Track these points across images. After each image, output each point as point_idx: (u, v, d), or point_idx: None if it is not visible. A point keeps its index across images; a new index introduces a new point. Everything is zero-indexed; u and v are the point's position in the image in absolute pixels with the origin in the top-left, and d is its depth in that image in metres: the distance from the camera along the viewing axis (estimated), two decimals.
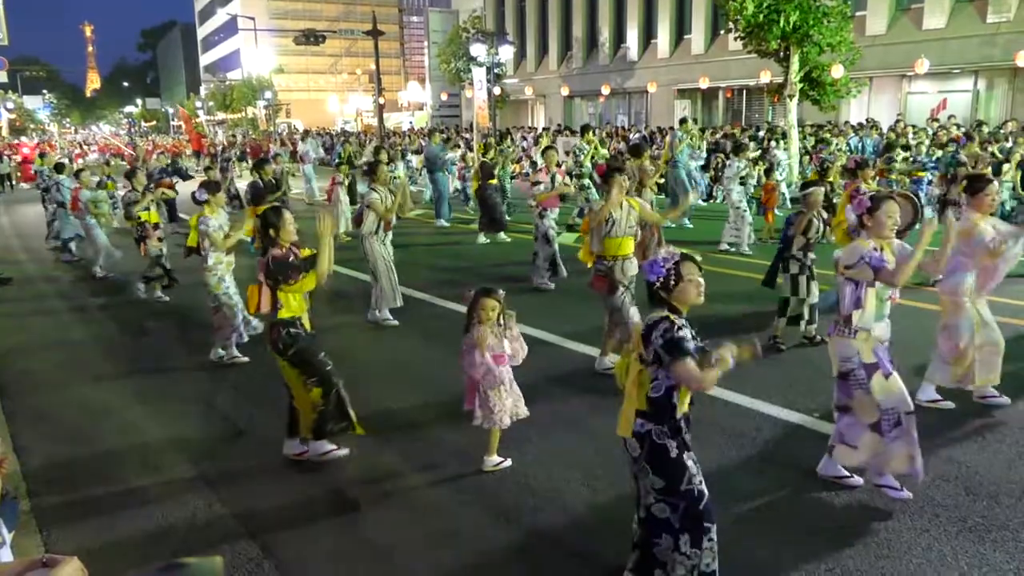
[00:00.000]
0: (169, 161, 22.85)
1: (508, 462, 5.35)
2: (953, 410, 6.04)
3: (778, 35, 19.24)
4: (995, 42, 23.50)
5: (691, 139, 16.87)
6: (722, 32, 31.52)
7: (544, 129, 32.66)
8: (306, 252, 5.46)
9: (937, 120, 22.58)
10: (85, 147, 60.43)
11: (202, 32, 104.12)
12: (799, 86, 20.37)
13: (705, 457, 4.49)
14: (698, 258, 3.68)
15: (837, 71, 20.75)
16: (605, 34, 39.35)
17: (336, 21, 69.76)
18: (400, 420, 6.37)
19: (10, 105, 66.34)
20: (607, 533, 4.48)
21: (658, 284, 3.60)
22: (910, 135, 19.52)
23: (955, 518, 4.53)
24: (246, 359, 7.99)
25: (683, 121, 17.23)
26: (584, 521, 4.73)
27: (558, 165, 11.44)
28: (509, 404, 5.22)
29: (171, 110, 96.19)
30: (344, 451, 5.61)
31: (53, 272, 14.10)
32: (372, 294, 9.34)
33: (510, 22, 44.91)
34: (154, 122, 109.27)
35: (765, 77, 25.66)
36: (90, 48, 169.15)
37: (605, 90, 37.92)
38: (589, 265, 7.11)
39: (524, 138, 32.91)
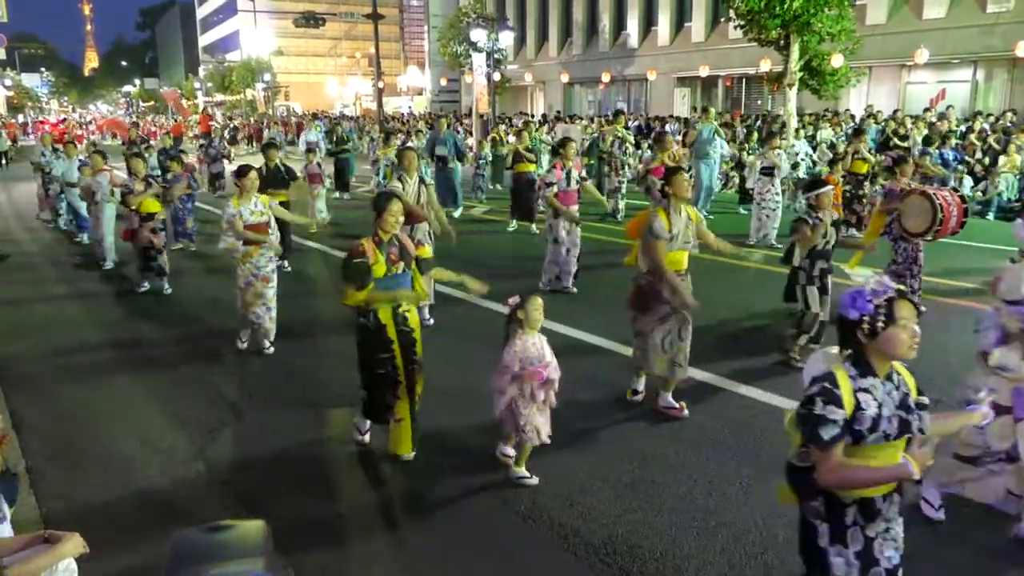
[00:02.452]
0: (172, 142, 22.51)
1: (534, 480, 5.00)
2: (951, 400, 6.08)
3: (778, 23, 19.17)
4: (994, 32, 23.44)
5: (717, 127, 16.03)
6: (722, 20, 31.42)
7: (539, 118, 32.50)
8: (424, 252, 5.30)
9: (930, 110, 22.58)
10: (86, 127, 60.09)
11: (201, 12, 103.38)
12: (799, 75, 20.32)
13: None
14: (915, 299, 3.14)
15: (837, 60, 20.71)
16: (605, 21, 39.19)
17: (336, 4, 69.14)
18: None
19: (8, 83, 65.92)
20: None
21: (861, 324, 2.78)
22: (908, 125, 19.52)
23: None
24: (271, 350, 7.68)
25: (705, 110, 16.64)
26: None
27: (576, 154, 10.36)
28: (540, 422, 4.83)
29: (169, 90, 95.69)
30: (366, 438, 5.58)
31: (51, 249, 14.09)
32: None
33: (510, 7, 44.69)
34: (152, 102, 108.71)
35: (765, 66, 25.59)
36: (88, 26, 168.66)
37: (605, 77, 37.79)
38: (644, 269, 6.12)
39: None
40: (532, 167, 14.50)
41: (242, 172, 7.52)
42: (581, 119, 32.22)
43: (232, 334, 8.02)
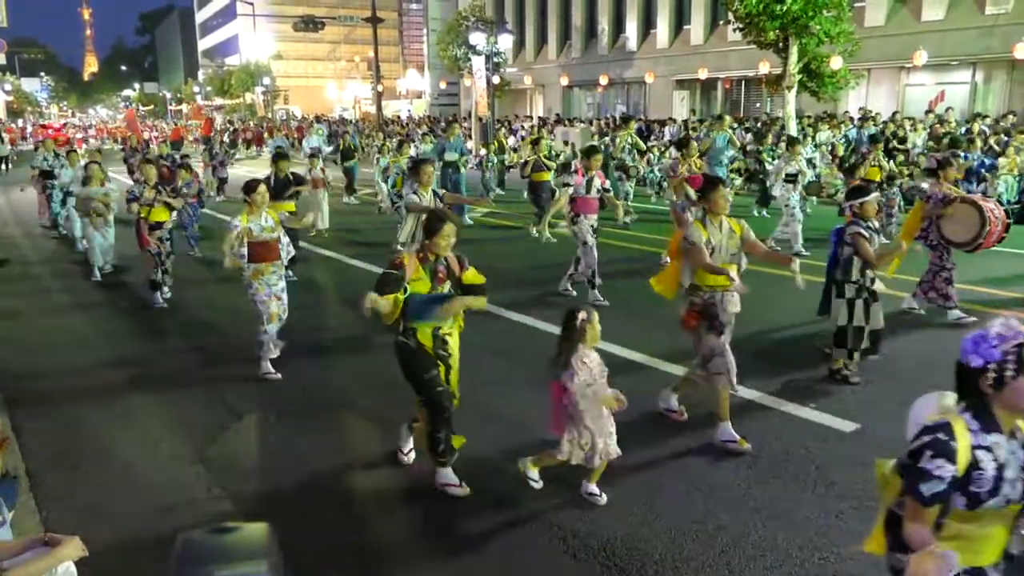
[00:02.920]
0: (170, 149, 22.40)
1: (603, 499, 4.77)
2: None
3: (777, 26, 19.21)
4: (993, 33, 23.47)
5: (731, 134, 15.70)
6: (721, 23, 31.45)
7: (542, 121, 32.49)
8: (471, 276, 4.91)
9: (932, 112, 22.58)
10: (85, 130, 60.17)
11: (200, 16, 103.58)
12: (797, 77, 20.35)
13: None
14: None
15: (836, 62, 20.74)
16: (604, 24, 39.23)
17: (335, 8, 69.27)
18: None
19: (8, 87, 66.07)
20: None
21: (985, 373, 2.41)
22: (907, 128, 19.54)
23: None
24: (277, 376, 7.12)
25: (720, 117, 16.11)
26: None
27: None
28: (600, 442, 4.62)
29: (169, 94, 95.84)
30: (465, 490, 4.93)
31: (50, 253, 14.10)
32: None
33: (509, 10, 44.72)
34: (152, 106, 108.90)
35: (764, 68, 25.63)
36: (88, 31, 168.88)
37: (604, 80, 37.83)
38: (668, 298, 5.87)
39: (521, 127, 32.88)
40: (548, 176, 14.21)
41: (251, 187, 7.14)
42: (581, 122, 32.27)
43: (235, 340, 8.07)
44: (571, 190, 9.23)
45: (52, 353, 8.18)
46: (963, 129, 19.28)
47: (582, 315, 4.59)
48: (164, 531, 4.54)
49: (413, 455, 5.34)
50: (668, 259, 10.52)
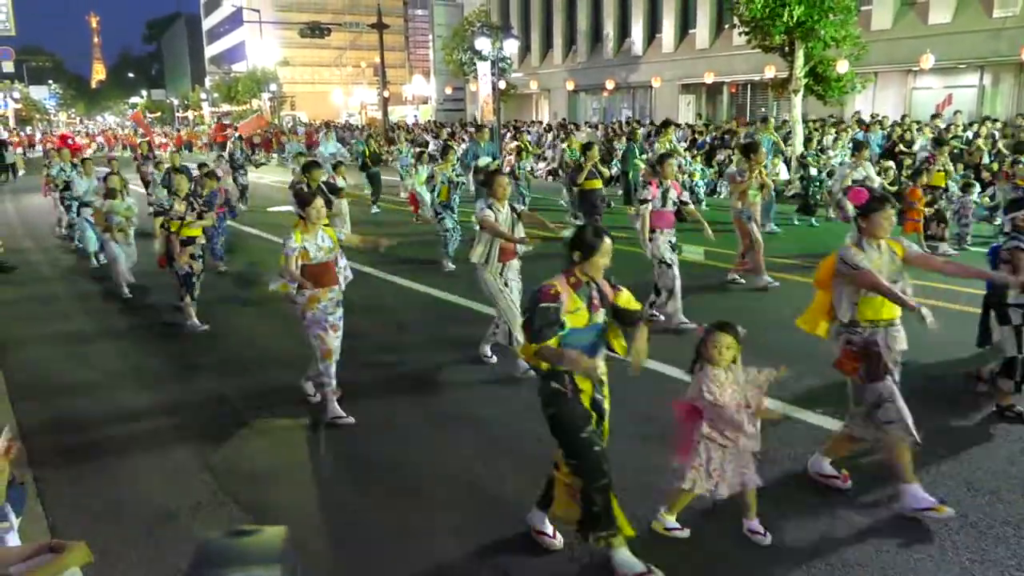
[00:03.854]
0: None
1: (686, 532, 4.44)
2: (956, 406, 6.06)
3: (782, 30, 19.18)
4: (1001, 37, 23.41)
5: (775, 138, 14.77)
6: (727, 27, 31.45)
7: (562, 125, 32.46)
8: (626, 300, 4.19)
9: (939, 116, 22.52)
10: (93, 138, 60.42)
11: (207, 24, 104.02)
12: (804, 81, 20.31)
13: None
14: None
15: (842, 66, 20.70)
16: (609, 28, 39.25)
17: (341, 14, 69.58)
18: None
19: (16, 95, 66.37)
20: None
21: None
22: (915, 131, 19.49)
23: (956, 514, 4.50)
24: (350, 420, 6.23)
25: (764, 119, 15.16)
26: None
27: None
28: (730, 470, 4.25)
29: (176, 101, 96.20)
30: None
31: (57, 260, 14.15)
32: (500, 331, 7.37)
33: (515, 16, 44.80)
34: (159, 113, 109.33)
35: (770, 72, 25.60)
36: (96, 39, 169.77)
37: (609, 84, 37.83)
38: (823, 336, 4.95)
39: (528, 132, 32.87)
40: (599, 183, 13.18)
41: (306, 199, 6.21)
42: (591, 126, 32.24)
43: (266, 367, 8.01)
44: (649, 206, 8.44)
45: (56, 354, 8.22)
46: (970, 133, 19.26)
47: (699, 331, 4.27)
48: (170, 537, 4.56)
49: (560, 538, 4.40)
50: (736, 277, 10.27)
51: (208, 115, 75.68)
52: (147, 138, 27.17)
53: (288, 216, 18.24)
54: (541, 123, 37.23)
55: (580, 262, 4.02)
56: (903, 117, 22.63)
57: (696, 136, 23.76)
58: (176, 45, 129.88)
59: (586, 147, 13.33)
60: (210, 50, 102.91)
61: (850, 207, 4.78)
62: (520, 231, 7.17)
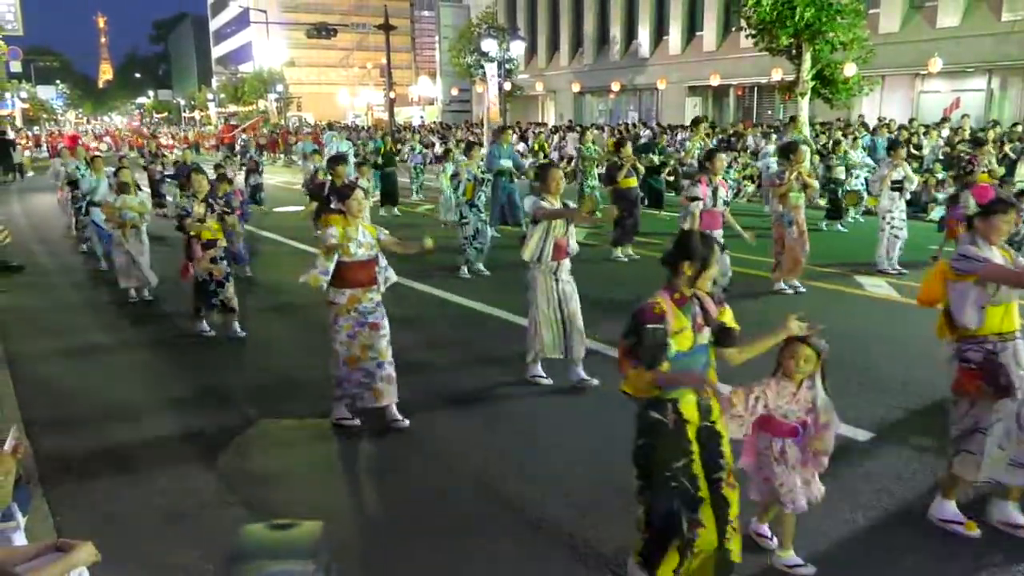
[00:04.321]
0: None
1: (810, 570, 4.03)
2: None
3: (790, 32, 19.16)
4: (1010, 40, 23.35)
5: (805, 139, 14.20)
6: (734, 29, 31.45)
7: (568, 126, 32.45)
8: (729, 317, 3.75)
9: (947, 120, 22.46)
10: (98, 139, 60.55)
11: (214, 24, 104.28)
12: (811, 84, 20.28)
13: None
14: None
15: (850, 69, 20.66)
16: (616, 30, 39.27)
17: (348, 15, 69.66)
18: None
19: (23, 95, 66.56)
20: None
21: None
22: (922, 134, 19.44)
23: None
24: (355, 422, 6.06)
25: (793, 119, 14.85)
26: None
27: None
28: (799, 482, 3.94)
29: (183, 102, 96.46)
30: None
31: (65, 259, 14.17)
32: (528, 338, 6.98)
33: (521, 17, 44.85)
34: (166, 113, 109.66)
35: (777, 75, 25.57)
36: (103, 39, 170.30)
37: (616, 87, 37.85)
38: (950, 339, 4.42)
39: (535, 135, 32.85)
40: (635, 182, 12.54)
41: (345, 192, 5.86)
42: (598, 128, 32.23)
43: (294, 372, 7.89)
44: (700, 204, 8.01)
45: (63, 355, 8.24)
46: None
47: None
48: (176, 538, 4.56)
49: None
50: (783, 286, 9.71)
51: (215, 116, 75.86)
52: (155, 140, 27.33)
53: (293, 217, 18.29)
54: (545, 125, 37.25)
55: (688, 275, 3.59)
56: (911, 120, 22.57)
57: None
58: (183, 45, 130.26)
59: (619, 144, 12.77)
60: (217, 51, 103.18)
61: (972, 202, 4.49)
62: (573, 232, 6.77)
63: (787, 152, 9.81)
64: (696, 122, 14.15)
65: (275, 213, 19.07)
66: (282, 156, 39.65)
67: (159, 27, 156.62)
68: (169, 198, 18.01)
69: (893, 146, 11.96)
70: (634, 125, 31.68)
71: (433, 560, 4.35)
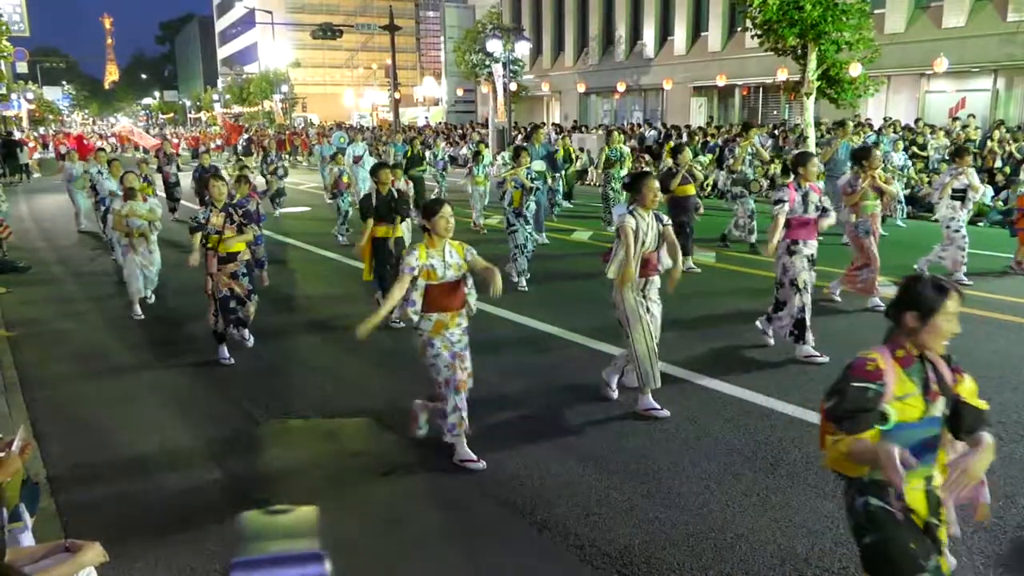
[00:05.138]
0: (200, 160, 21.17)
1: None
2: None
3: (795, 32, 19.12)
4: (1015, 40, 23.27)
5: (852, 143, 13.79)
6: (739, 29, 31.37)
7: (574, 126, 32.47)
8: (969, 390, 3.04)
9: (956, 119, 22.39)
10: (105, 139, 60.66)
11: (220, 25, 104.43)
12: (816, 84, 20.24)
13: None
14: None
15: (855, 69, 20.62)
16: (621, 31, 39.21)
17: (353, 15, 69.73)
18: None
19: (30, 96, 66.64)
20: None
21: None
22: (928, 135, 19.40)
23: (970, 518, 4.48)
24: (480, 465, 5.37)
25: (842, 123, 14.37)
26: None
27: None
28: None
29: (188, 102, 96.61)
30: None
31: (71, 261, 14.21)
32: (621, 363, 6.42)
33: (526, 18, 44.82)
34: (172, 114, 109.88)
35: (782, 75, 25.52)
36: (109, 40, 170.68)
37: (621, 87, 37.80)
38: None
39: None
40: (692, 189, 11.75)
41: (433, 207, 5.25)
42: (604, 128, 32.21)
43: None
44: (785, 207, 7.28)
45: (70, 357, 8.27)
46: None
47: None
48: (184, 538, 4.58)
49: None
50: (834, 296, 9.20)
51: (220, 116, 75.98)
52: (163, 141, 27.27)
53: (298, 218, 18.33)
54: (544, 125, 37.23)
55: (912, 327, 2.92)
56: (916, 121, 22.52)
57: (707, 139, 23.72)
58: (189, 46, 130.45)
59: (676, 149, 11.91)
60: (222, 51, 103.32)
61: None
62: (666, 252, 6.11)
63: (860, 157, 9.08)
64: (747, 127, 13.30)
65: (282, 215, 19.10)
66: (287, 157, 39.61)
67: (165, 28, 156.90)
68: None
69: (959, 152, 10.89)
70: (639, 125, 31.67)
71: (441, 561, 4.37)
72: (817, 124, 22.03)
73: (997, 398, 6.23)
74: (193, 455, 5.76)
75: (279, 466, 5.61)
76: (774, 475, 5.15)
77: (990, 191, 16.24)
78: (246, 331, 8.29)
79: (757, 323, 8.01)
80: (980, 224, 15.02)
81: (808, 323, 7.40)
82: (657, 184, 6.08)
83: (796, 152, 9.43)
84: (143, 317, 9.82)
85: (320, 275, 12.56)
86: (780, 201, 7.31)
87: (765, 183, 14.72)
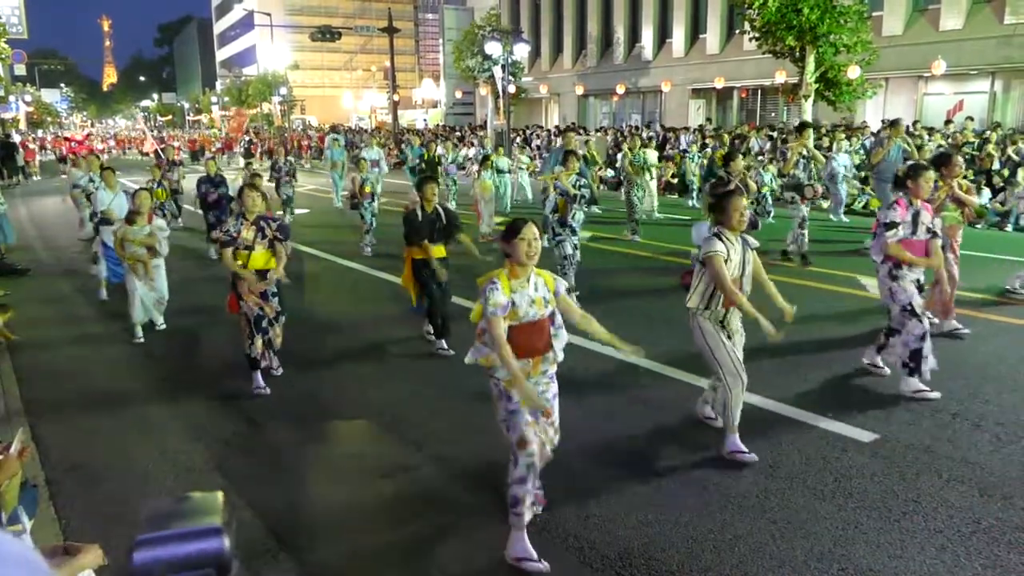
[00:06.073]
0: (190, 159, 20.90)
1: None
2: (967, 411, 6.04)
3: (794, 35, 19.16)
4: (1012, 43, 23.33)
5: (906, 144, 12.97)
6: (737, 32, 31.44)
7: (570, 127, 32.46)
8: None
9: (951, 122, 22.42)
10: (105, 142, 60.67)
11: (218, 27, 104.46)
12: (814, 86, 20.28)
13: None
14: None
15: (853, 72, 20.65)
16: (620, 33, 39.26)
17: (352, 18, 69.82)
18: None
19: (28, 98, 66.63)
20: None
21: None
22: (926, 138, 19.41)
23: (969, 519, 4.52)
24: (543, 566, 4.21)
25: (894, 123, 13.38)
26: None
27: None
28: None
29: (187, 105, 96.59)
30: None
31: (70, 263, 14.19)
32: (717, 399, 5.69)
33: (525, 20, 44.87)
34: (170, 116, 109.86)
35: (780, 77, 25.58)
36: (107, 42, 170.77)
37: (619, 89, 37.85)
38: None
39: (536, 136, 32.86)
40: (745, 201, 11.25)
41: (515, 229, 4.16)
42: (602, 130, 32.24)
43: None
44: (899, 232, 6.43)
45: (69, 359, 8.26)
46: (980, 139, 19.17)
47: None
48: None
49: None
50: None
51: (218, 119, 75.97)
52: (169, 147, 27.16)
53: (307, 225, 18.31)
54: (541, 127, 37.26)
55: None
56: (914, 123, 22.56)
57: (706, 141, 23.74)
58: (187, 49, 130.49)
59: (728, 157, 11.08)
60: (221, 54, 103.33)
61: None
62: (748, 275, 5.34)
63: (939, 164, 7.80)
64: (802, 127, 12.41)
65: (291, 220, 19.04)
66: (290, 159, 39.52)
67: (163, 30, 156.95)
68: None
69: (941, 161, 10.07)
70: (637, 128, 31.69)
71: (440, 561, 4.36)
72: (816, 127, 22.04)
73: (997, 399, 6.24)
74: (193, 456, 5.75)
75: (277, 467, 5.59)
76: (773, 477, 5.14)
77: (987, 193, 16.27)
78: (275, 359, 7.46)
79: (864, 359, 7.08)
80: (978, 227, 15.04)
81: (926, 353, 6.36)
82: (745, 203, 5.35)
83: (907, 164, 8.10)
84: (143, 340, 8.91)
85: (349, 290, 11.67)
86: (891, 224, 6.38)
87: (820, 188, 13.67)
